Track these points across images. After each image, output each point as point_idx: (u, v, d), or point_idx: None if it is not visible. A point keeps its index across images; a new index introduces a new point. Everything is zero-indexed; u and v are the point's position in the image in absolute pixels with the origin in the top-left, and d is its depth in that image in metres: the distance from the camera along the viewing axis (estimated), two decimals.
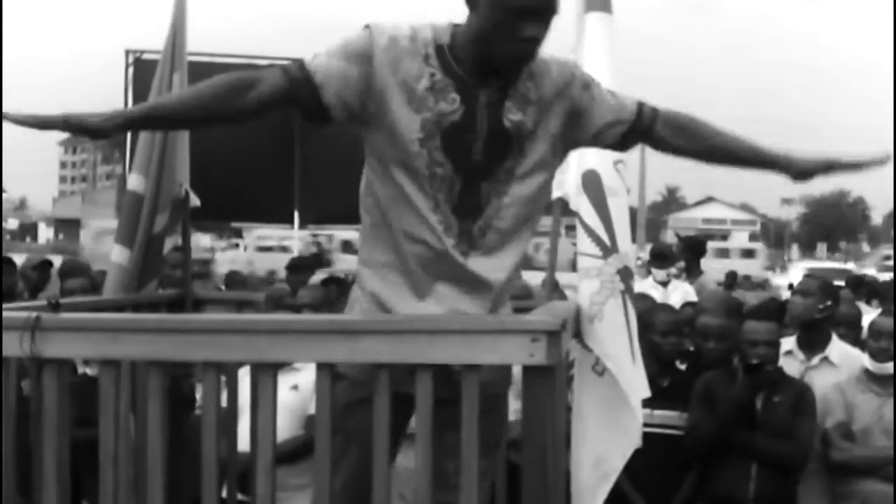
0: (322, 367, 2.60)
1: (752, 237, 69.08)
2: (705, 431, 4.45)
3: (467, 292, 2.79)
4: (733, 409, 4.37)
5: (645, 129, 2.92)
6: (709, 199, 77.24)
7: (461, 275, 2.78)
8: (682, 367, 4.96)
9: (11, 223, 68.67)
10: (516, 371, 3.51)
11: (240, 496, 3.84)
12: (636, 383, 3.45)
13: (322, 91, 2.66)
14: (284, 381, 4.10)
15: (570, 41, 3.84)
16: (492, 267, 2.80)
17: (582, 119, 2.84)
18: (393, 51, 2.67)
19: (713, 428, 4.42)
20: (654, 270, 8.24)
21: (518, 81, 2.74)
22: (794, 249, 50.91)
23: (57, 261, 8.03)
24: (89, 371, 4.32)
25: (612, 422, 3.47)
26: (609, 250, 3.49)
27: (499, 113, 2.72)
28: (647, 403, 4.20)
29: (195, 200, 4.41)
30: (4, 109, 2.47)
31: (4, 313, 2.75)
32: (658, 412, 4.53)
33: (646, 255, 8.82)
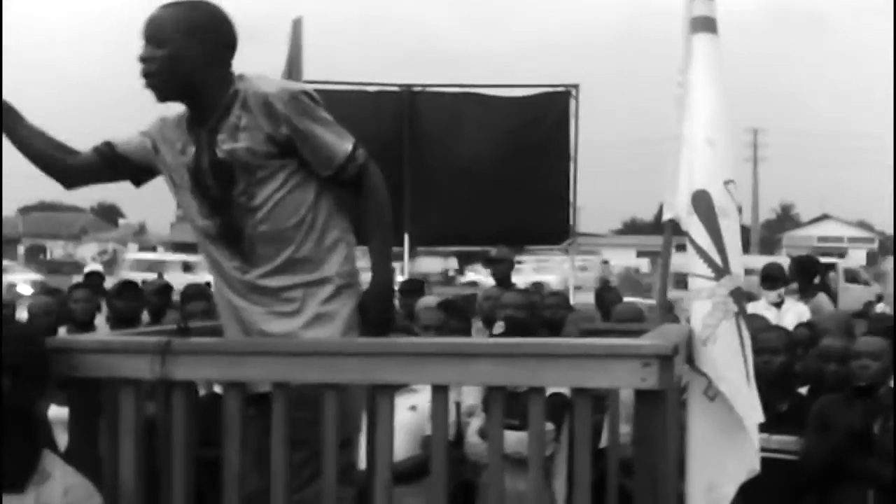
0: (437, 389, 2.67)
1: (870, 256, 66.94)
2: (819, 457, 4.37)
3: (252, 303, 3.10)
4: (849, 438, 4.29)
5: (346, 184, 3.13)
6: (824, 217, 75.19)
7: (247, 288, 3.11)
8: (803, 390, 4.87)
9: (131, 248, 70.79)
10: (626, 395, 3.54)
11: None
12: (751, 407, 3.41)
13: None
14: (403, 402, 4.17)
15: (678, 63, 3.85)
16: (269, 276, 3.08)
17: (302, 146, 3.02)
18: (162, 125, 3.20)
19: (827, 454, 4.34)
20: (765, 292, 8.10)
21: (229, 115, 3.01)
22: None
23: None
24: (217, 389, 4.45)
25: (725, 447, 3.43)
26: (721, 271, 3.45)
27: (213, 147, 3.04)
28: (765, 428, 4.16)
29: None
30: None
31: (137, 338, 2.89)
32: (776, 437, 4.46)
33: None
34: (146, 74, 3.04)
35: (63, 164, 3.28)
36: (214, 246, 3.14)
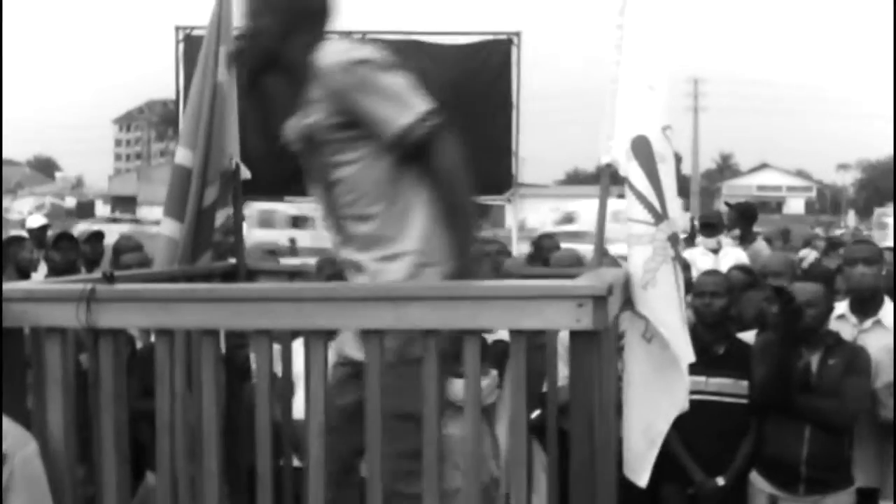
0: (370, 335, 2.64)
1: (808, 204, 68.10)
2: (761, 392, 4.43)
3: (354, 276, 3.07)
4: (776, 370, 4.35)
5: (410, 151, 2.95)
6: (763, 166, 76.25)
7: (347, 263, 3.09)
8: (744, 335, 4.91)
9: (69, 201, 69.81)
10: (566, 336, 3.55)
11: (297, 463, 3.89)
12: (685, 348, 3.45)
13: None
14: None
15: (615, 4, 3.80)
16: (361, 252, 3.03)
17: (360, 118, 2.95)
18: None
19: (758, 389, 4.41)
20: (703, 239, 8.19)
21: (307, 88, 2.98)
22: (851, 215, 49.99)
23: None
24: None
25: (660, 387, 3.47)
26: (660, 217, 3.46)
27: (301, 118, 3.03)
28: (701, 370, 4.21)
29: (246, 173, 4.43)
30: None
31: (61, 285, 2.81)
32: (713, 380, 4.52)
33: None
34: (238, 52, 3.14)
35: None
36: (325, 219, 3.12)
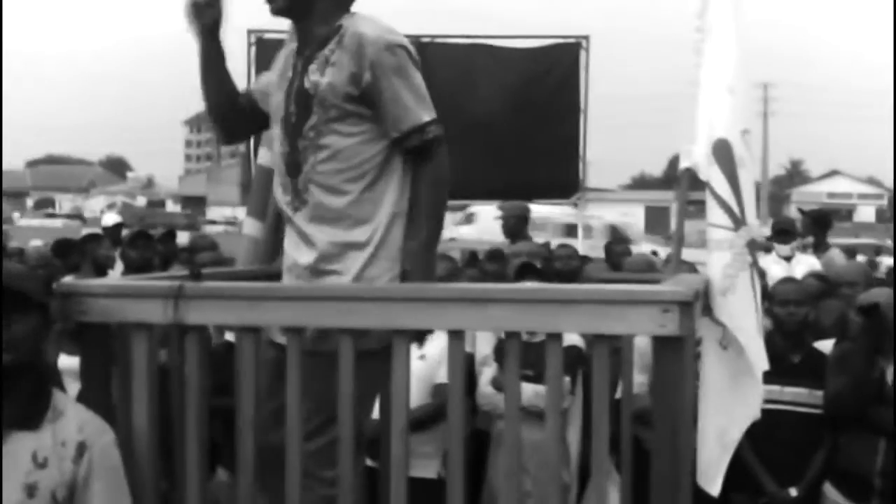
0: (453, 335, 2.64)
1: (879, 212, 66.65)
2: (839, 402, 4.36)
3: (298, 245, 3.09)
4: (854, 377, 4.27)
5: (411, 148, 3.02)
6: (834, 173, 74.71)
7: (294, 228, 3.11)
8: (819, 344, 4.84)
9: (140, 201, 71.11)
10: (641, 342, 3.52)
11: (368, 462, 3.91)
12: (760, 356, 3.41)
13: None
14: (412, 352, 4.16)
15: (694, 7, 3.77)
16: (314, 223, 3.05)
17: (379, 98, 2.96)
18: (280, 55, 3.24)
19: (833, 399, 4.34)
20: (777, 246, 8.07)
21: (325, 47, 2.98)
22: None
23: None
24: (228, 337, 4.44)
25: (735, 395, 3.43)
26: (739, 222, 3.42)
27: (303, 75, 3.04)
28: (777, 380, 4.15)
29: None
30: None
31: (149, 282, 2.85)
32: (788, 389, 4.46)
33: (768, 230, 8.65)
34: None
35: (238, 113, 3.30)
36: (279, 177, 3.15)
